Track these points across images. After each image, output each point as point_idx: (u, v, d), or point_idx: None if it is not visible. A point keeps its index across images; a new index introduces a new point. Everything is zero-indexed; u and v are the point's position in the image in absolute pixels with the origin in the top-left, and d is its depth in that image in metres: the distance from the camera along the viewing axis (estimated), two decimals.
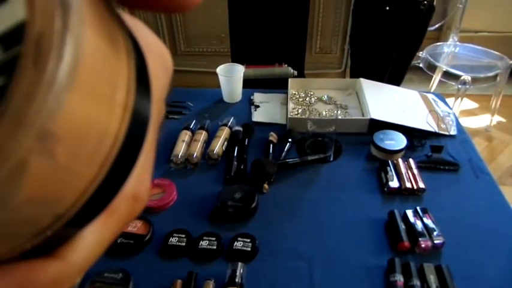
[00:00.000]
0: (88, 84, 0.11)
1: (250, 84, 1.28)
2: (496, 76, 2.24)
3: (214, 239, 0.75)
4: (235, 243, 0.74)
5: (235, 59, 2.07)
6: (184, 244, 0.74)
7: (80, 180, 0.12)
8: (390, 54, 1.52)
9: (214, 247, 0.73)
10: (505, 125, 2.52)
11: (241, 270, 0.66)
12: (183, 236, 0.76)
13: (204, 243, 0.74)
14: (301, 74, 1.85)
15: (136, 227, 0.79)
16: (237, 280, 0.64)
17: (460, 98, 2.24)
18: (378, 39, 1.52)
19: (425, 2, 1.40)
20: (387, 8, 1.45)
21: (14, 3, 0.10)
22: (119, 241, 0.76)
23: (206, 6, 2.52)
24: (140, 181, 0.17)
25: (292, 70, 1.59)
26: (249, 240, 0.75)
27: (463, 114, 2.55)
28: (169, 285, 0.68)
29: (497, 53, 2.30)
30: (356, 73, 1.61)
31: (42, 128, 0.10)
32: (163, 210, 0.85)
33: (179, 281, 0.67)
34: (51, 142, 0.10)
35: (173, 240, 0.75)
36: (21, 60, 0.10)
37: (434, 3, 1.46)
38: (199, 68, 2.81)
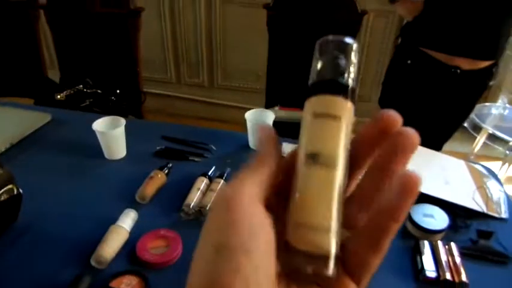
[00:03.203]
0: None
1: (281, 128, 1.19)
2: None
3: None
4: None
5: (270, 98, 2.02)
6: None
7: None
8: (424, 117, 1.40)
9: None
10: None
11: None
12: None
13: None
14: None
15: (130, 285, 0.70)
16: None
17: (507, 164, 2.08)
18: (407, 97, 1.42)
19: (458, 71, 1.28)
20: (408, 61, 1.36)
21: None
22: None
23: (247, 44, 2.51)
24: None
25: None
26: None
27: (508, 182, 2.36)
28: None
29: None
30: None
31: None
32: (165, 267, 0.76)
33: None
34: None
35: None
36: None
37: (493, 70, 1.34)
38: (234, 103, 2.78)
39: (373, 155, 0.24)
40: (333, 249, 0.22)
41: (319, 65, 0.26)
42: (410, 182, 0.20)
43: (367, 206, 0.23)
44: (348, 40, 0.26)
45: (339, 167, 0.23)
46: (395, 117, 0.23)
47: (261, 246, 0.21)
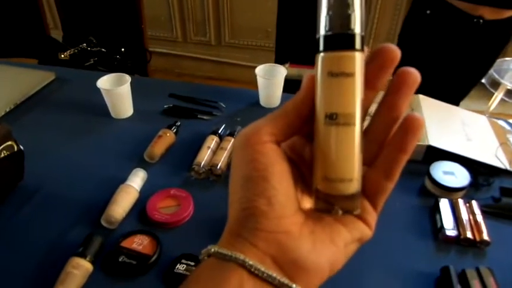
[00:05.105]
0: None
1: (291, 85, 1.15)
2: None
3: None
4: None
5: (280, 55, 1.95)
6: None
7: None
8: (442, 72, 1.33)
9: None
10: None
11: None
12: (193, 264, 0.65)
13: None
14: None
15: (142, 244, 0.69)
16: None
17: None
18: (425, 50, 1.34)
19: (481, 21, 1.20)
20: (428, 11, 1.27)
21: None
22: (120, 259, 0.66)
23: None
24: None
25: None
26: None
27: None
28: None
29: None
30: None
31: None
32: (176, 226, 0.74)
33: None
34: None
35: (180, 267, 0.65)
36: None
37: None
38: (242, 62, 2.71)
39: (376, 90, 0.26)
40: (358, 190, 0.26)
41: (323, 13, 0.25)
42: (415, 121, 0.25)
43: (381, 143, 0.27)
44: None
45: (357, 121, 0.25)
46: (394, 51, 0.25)
47: (276, 174, 0.26)
